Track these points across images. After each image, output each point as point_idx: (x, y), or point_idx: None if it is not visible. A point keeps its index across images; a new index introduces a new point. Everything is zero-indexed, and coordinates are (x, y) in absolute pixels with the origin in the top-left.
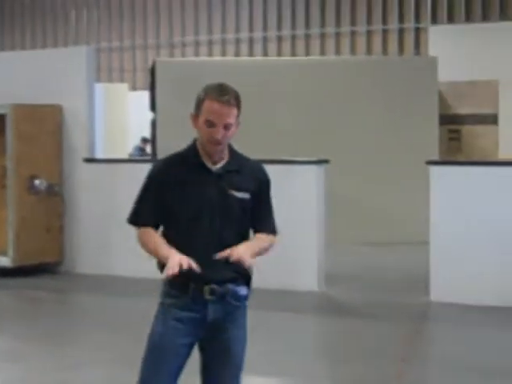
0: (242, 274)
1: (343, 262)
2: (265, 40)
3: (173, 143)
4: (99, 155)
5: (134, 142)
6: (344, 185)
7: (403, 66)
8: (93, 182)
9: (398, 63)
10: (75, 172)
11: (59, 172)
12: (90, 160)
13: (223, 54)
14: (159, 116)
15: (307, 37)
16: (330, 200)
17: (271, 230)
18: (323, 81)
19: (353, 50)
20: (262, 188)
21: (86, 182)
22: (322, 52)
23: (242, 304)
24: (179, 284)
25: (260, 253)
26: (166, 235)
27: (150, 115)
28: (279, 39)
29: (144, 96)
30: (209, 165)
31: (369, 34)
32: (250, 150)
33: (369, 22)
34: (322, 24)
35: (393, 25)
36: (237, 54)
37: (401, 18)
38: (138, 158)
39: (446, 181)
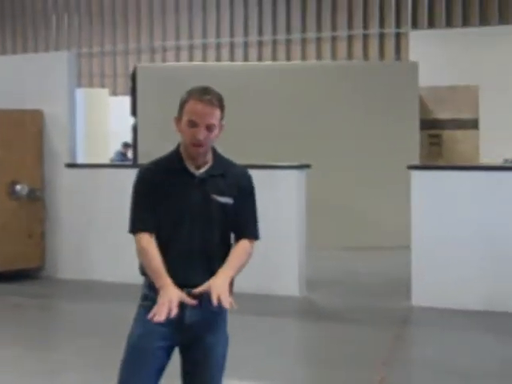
0: None
1: (324, 267)
2: (246, 45)
3: (154, 148)
4: (80, 160)
5: (115, 147)
6: (325, 189)
7: (384, 71)
8: (74, 187)
9: (379, 68)
10: (56, 177)
11: (40, 177)
12: (72, 165)
13: (204, 58)
14: (140, 121)
15: (288, 42)
16: (312, 205)
17: (253, 235)
18: (304, 86)
19: (334, 55)
20: (245, 193)
21: (67, 187)
22: (303, 57)
23: (221, 310)
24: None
25: (240, 270)
26: None
27: (131, 120)
28: (260, 44)
29: (125, 101)
30: (192, 169)
31: (349, 39)
32: (230, 154)
33: (349, 27)
34: (303, 29)
35: (373, 30)
36: (218, 59)
37: (381, 23)
38: (119, 163)
39: (427, 185)
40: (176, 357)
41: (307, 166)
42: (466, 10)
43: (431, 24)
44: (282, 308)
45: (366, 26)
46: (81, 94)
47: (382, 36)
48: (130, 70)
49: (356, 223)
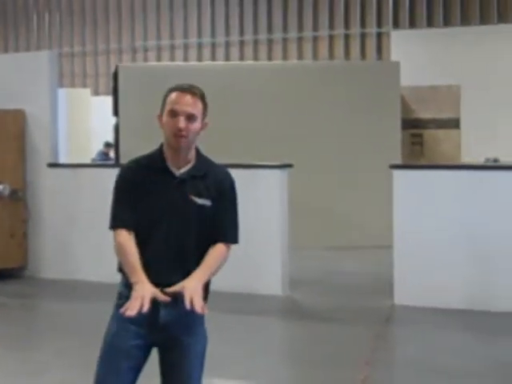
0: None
1: (307, 267)
2: (227, 45)
3: (135, 148)
4: (62, 160)
5: (97, 146)
6: (307, 189)
7: (366, 71)
8: (56, 187)
9: (361, 68)
10: (39, 177)
11: (22, 177)
12: (54, 165)
13: (186, 58)
14: (122, 121)
15: (270, 41)
16: (293, 204)
17: (230, 239)
18: (285, 85)
19: (315, 55)
20: (225, 196)
21: (49, 186)
22: (285, 57)
23: (189, 309)
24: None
25: (214, 274)
26: None
27: (112, 120)
28: (241, 44)
29: (106, 101)
30: (173, 169)
31: (331, 38)
32: (212, 154)
33: (331, 26)
34: (285, 29)
35: (355, 29)
36: (199, 59)
37: (363, 23)
38: (101, 162)
39: (409, 185)
40: (155, 356)
41: (289, 166)
42: (447, 9)
43: (412, 24)
44: (265, 307)
45: (347, 26)
46: (62, 93)
47: (363, 36)
48: (112, 69)
49: (338, 223)
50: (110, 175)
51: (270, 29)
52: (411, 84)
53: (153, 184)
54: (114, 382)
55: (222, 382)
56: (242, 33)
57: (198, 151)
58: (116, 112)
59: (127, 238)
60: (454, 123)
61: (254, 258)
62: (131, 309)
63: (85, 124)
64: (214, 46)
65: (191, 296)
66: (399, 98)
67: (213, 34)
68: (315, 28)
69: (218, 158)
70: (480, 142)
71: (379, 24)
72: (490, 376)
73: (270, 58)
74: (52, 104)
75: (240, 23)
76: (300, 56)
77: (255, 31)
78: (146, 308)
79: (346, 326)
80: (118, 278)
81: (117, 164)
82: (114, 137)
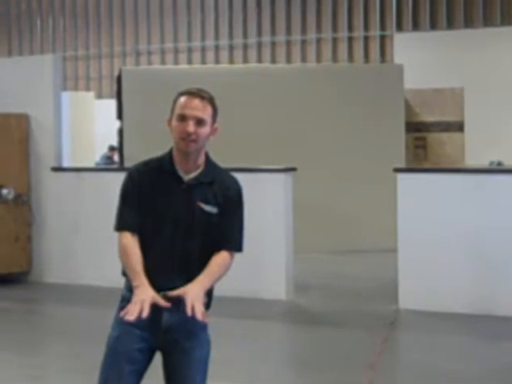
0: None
1: (311, 271)
2: (231, 48)
3: (140, 151)
4: (66, 164)
5: (101, 150)
6: (311, 193)
7: (369, 74)
8: (60, 191)
9: (364, 71)
10: (43, 181)
11: (27, 181)
12: (58, 169)
13: (189, 61)
14: (126, 124)
15: (273, 44)
16: (298, 208)
17: (235, 248)
18: (289, 88)
19: (318, 58)
20: (232, 204)
21: (53, 190)
22: (288, 60)
23: (189, 316)
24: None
25: (216, 281)
26: None
27: (116, 123)
28: (245, 47)
29: (110, 104)
30: (181, 174)
31: (334, 41)
32: (216, 157)
33: (334, 29)
34: (288, 32)
35: (358, 32)
36: (203, 62)
37: (366, 26)
38: (105, 166)
39: (413, 188)
40: (158, 360)
41: (293, 169)
42: (450, 12)
43: (416, 26)
44: (269, 311)
45: (350, 29)
46: (66, 97)
47: (366, 39)
48: (116, 72)
49: (342, 227)
50: (114, 179)
51: (273, 32)
52: (414, 87)
53: (160, 187)
54: None
55: None
56: (245, 36)
57: (207, 157)
58: (120, 115)
59: (131, 241)
60: (458, 126)
61: (258, 263)
62: (131, 313)
63: (88, 127)
64: (217, 49)
65: (192, 302)
66: (403, 101)
67: (216, 37)
68: (318, 31)
69: (221, 162)
70: (484, 145)
71: (382, 27)
72: (494, 380)
73: (273, 61)
74: (56, 108)
75: (243, 26)
76: (303, 59)
77: (259, 34)
78: (145, 313)
79: (350, 330)
80: (121, 282)
81: (121, 167)
82: (118, 140)
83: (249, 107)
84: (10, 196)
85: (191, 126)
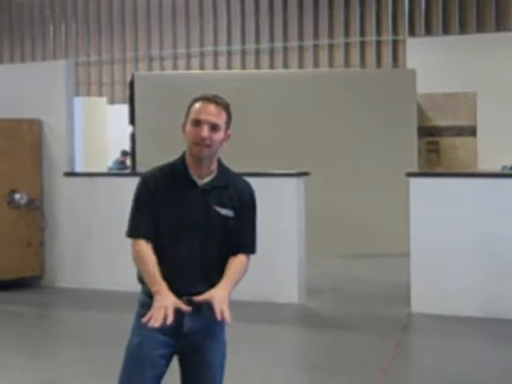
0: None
1: (323, 275)
2: (243, 53)
3: (152, 156)
4: (79, 169)
5: (113, 155)
6: (324, 197)
7: (382, 79)
8: (73, 196)
9: (377, 75)
10: (55, 186)
11: (39, 186)
12: (70, 174)
13: (202, 66)
14: (138, 129)
15: (285, 50)
16: (310, 212)
17: (251, 250)
18: (302, 93)
19: (331, 63)
20: (246, 207)
21: (66, 195)
22: (301, 65)
23: (219, 320)
24: None
25: (236, 285)
26: None
27: (129, 128)
28: (257, 52)
29: (122, 109)
30: (195, 178)
31: (346, 46)
32: (228, 162)
33: (346, 34)
34: (300, 37)
35: (370, 37)
36: (215, 67)
37: (378, 31)
38: (117, 171)
39: (426, 192)
40: (174, 365)
41: (306, 174)
42: (462, 16)
43: (428, 31)
44: (282, 315)
45: (363, 34)
46: (79, 102)
47: (379, 43)
48: (128, 78)
49: (355, 231)
50: (127, 184)
51: (285, 37)
52: (427, 91)
53: (175, 192)
54: None
55: None
56: (257, 41)
57: (220, 162)
58: (132, 120)
59: (145, 247)
60: (471, 131)
61: (271, 267)
62: (155, 319)
63: (101, 133)
64: (229, 54)
65: (220, 306)
66: (415, 106)
67: (229, 43)
68: (331, 36)
69: (234, 167)
70: (496, 150)
71: (395, 31)
72: None
73: (285, 66)
74: (68, 113)
75: (256, 31)
76: (316, 64)
77: (271, 39)
78: (170, 319)
79: (362, 334)
80: (133, 286)
81: (133, 172)
82: (131, 145)
83: (261, 112)
84: (23, 201)
85: (205, 131)
